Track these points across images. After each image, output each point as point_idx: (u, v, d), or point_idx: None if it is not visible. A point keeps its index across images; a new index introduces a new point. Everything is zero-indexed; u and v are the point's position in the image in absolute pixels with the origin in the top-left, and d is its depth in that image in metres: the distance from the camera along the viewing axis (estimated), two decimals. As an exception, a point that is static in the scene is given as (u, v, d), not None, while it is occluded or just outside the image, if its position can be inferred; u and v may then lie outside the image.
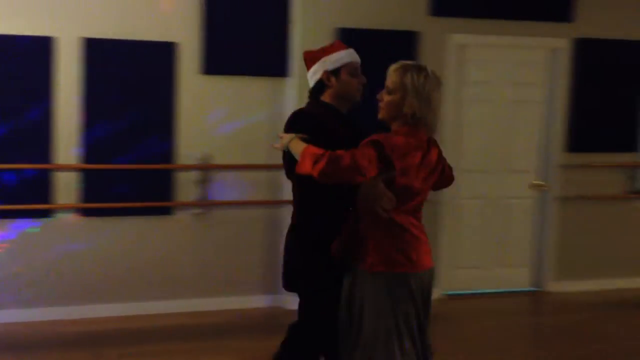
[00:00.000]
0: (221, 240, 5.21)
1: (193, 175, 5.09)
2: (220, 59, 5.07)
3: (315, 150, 2.53)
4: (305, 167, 2.52)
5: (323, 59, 2.90)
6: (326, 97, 2.89)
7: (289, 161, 2.71)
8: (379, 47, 5.28)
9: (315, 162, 2.47)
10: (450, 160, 5.47)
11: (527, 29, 5.59)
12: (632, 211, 6.00)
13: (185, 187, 5.08)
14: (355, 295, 2.66)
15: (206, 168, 5.09)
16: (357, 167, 2.44)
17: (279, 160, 5.17)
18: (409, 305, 2.59)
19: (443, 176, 2.84)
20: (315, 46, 5.09)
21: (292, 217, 2.91)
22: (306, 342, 2.87)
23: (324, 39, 5.16)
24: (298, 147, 2.61)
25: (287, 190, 5.24)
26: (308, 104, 2.96)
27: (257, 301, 5.29)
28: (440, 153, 2.77)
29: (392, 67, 2.68)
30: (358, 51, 5.38)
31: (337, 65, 2.87)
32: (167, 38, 4.97)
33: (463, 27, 5.45)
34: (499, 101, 5.72)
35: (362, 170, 2.45)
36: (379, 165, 2.49)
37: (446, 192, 5.52)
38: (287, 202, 5.25)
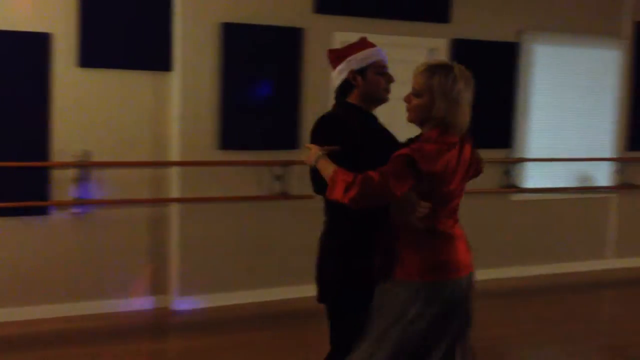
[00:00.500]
0: (102, 240, 5.00)
1: (70, 173, 4.85)
2: (98, 51, 4.86)
3: (346, 175, 2.37)
4: (336, 194, 2.38)
5: (349, 58, 2.76)
6: (352, 97, 2.76)
7: (318, 178, 2.54)
8: (263, 42, 5.27)
9: (347, 190, 2.34)
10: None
11: (408, 28, 5.75)
12: (508, 204, 6.31)
13: (62, 185, 4.84)
14: (383, 302, 2.53)
15: (84, 165, 4.87)
16: (388, 190, 2.31)
17: (163, 157, 5.12)
18: (440, 315, 2.47)
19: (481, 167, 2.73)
20: (199, 40, 5.08)
21: (324, 223, 2.79)
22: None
23: (208, 33, 5.11)
24: (327, 168, 2.46)
25: (172, 188, 5.14)
26: (334, 106, 2.81)
27: (143, 303, 5.12)
28: (472, 147, 2.64)
29: (418, 69, 2.54)
30: (243, 47, 5.39)
31: (363, 64, 2.75)
32: (41, 28, 4.72)
33: (347, 25, 5.52)
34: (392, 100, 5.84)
35: (394, 191, 2.31)
36: (411, 181, 2.36)
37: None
38: (172, 200, 5.13)
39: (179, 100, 5.08)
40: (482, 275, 6.14)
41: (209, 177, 5.20)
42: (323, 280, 2.74)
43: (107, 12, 4.87)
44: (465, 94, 2.49)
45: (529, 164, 6.32)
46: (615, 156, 6.67)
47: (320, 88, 5.47)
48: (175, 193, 5.14)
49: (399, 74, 5.76)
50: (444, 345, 2.50)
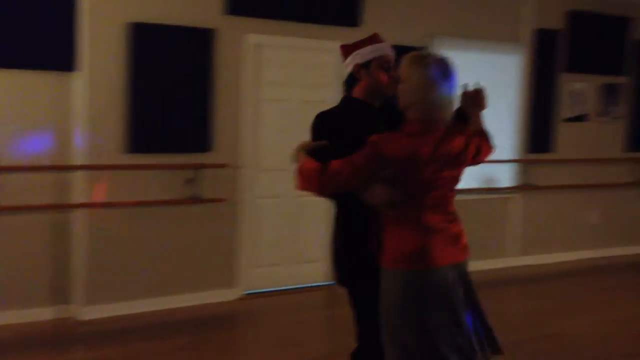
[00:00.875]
0: (2, 248, 4.74)
1: (-34, 178, 4.58)
2: (-5, 50, 4.61)
3: (309, 167, 2.53)
4: (300, 185, 2.56)
5: (355, 52, 2.83)
6: (357, 91, 2.84)
7: None
8: (173, 43, 5.15)
9: (309, 182, 2.52)
10: (247, 159, 5.58)
11: (319, 32, 5.77)
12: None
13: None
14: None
15: (-18, 170, 4.60)
16: (345, 178, 2.45)
17: (67, 161, 4.91)
18: (422, 304, 2.52)
19: (480, 155, 2.78)
20: (106, 40, 4.91)
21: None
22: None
23: (115, 33, 4.94)
24: (299, 161, 2.61)
25: (75, 193, 4.93)
26: (341, 99, 2.94)
27: (44, 314, 4.89)
28: (468, 139, 2.68)
29: (405, 57, 2.61)
30: (152, 47, 5.24)
31: (367, 58, 2.80)
32: None
33: (259, 27, 5.49)
34: (294, 101, 5.84)
35: (351, 179, 2.45)
36: (376, 165, 2.45)
37: (243, 191, 5.57)
38: (75, 205, 4.93)
39: (85, 102, 4.89)
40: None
41: (117, 181, 5.03)
42: (338, 266, 2.86)
43: (4, 9, 4.62)
44: (442, 86, 2.53)
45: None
46: (517, 158, 6.95)
47: (232, 89, 5.42)
48: (80, 198, 4.94)
49: (310, 77, 5.87)
50: (423, 338, 2.51)
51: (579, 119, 7.23)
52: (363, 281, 2.73)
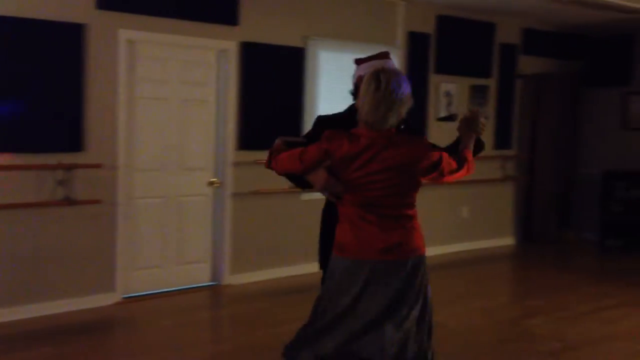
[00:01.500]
0: None
1: None
2: None
3: (274, 151, 2.95)
4: (266, 163, 3.03)
5: (361, 65, 3.18)
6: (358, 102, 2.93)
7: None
8: (41, 38, 4.91)
9: (269, 162, 2.99)
10: (123, 159, 5.40)
11: (197, 29, 5.70)
12: (299, 203, 6.50)
13: None
14: None
15: None
16: (292, 164, 2.84)
17: None
18: (335, 284, 2.84)
19: (442, 172, 2.86)
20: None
21: None
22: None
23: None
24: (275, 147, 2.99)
25: None
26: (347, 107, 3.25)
27: None
28: (423, 152, 2.80)
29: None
30: (16, 42, 4.96)
31: (367, 71, 2.92)
32: None
33: (133, 23, 5.34)
34: (172, 100, 5.73)
35: (297, 164, 2.82)
36: (321, 157, 2.77)
37: (120, 192, 5.39)
38: None
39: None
40: (275, 273, 6.33)
41: (-21, 183, 4.72)
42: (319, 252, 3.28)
43: None
44: (379, 96, 2.73)
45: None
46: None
47: (106, 87, 5.24)
48: (-62, 202, 4.59)
49: (189, 75, 5.78)
50: (332, 316, 2.84)
51: (450, 118, 7.56)
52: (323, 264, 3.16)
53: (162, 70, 5.65)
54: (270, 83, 6.20)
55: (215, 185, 5.95)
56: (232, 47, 5.92)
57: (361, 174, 2.74)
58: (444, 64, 7.45)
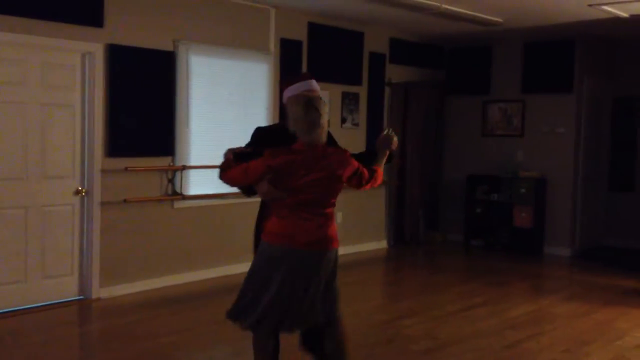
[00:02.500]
0: None
1: None
2: None
3: (224, 165, 3.40)
4: (219, 176, 3.43)
5: (287, 88, 3.56)
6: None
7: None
8: None
9: (220, 175, 3.41)
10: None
11: (58, 30, 5.39)
12: (172, 212, 6.32)
13: None
14: None
15: None
16: (242, 177, 3.33)
17: None
18: (263, 266, 3.38)
19: (360, 181, 3.42)
20: None
21: None
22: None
23: None
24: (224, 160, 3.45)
25: None
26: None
27: None
28: (345, 162, 3.35)
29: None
30: None
31: (294, 93, 3.47)
32: None
33: (-10, 22, 4.98)
34: (31, 104, 5.38)
35: (246, 178, 3.32)
36: (264, 170, 3.26)
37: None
38: None
39: None
40: (148, 285, 6.11)
41: None
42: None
43: None
44: (308, 117, 3.26)
45: (191, 172, 6.42)
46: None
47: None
48: None
49: (52, 79, 5.46)
50: (266, 298, 3.33)
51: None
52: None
53: (21, 72, 5.29)
54: (140, 87, 5.99)
55: (83, 193, 5.66)
56: (97, 50, 5.66)
57: (304, 181, 3.27)
58: (316, 70, 7.52)
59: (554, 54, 8.38)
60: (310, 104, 3.29)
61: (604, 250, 8.80)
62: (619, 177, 9.08)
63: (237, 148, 3.50)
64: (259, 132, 3.71)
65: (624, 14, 6.87)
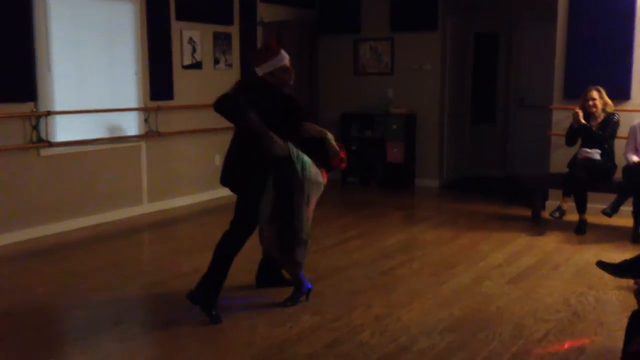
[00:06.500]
0: None
1: None
2: None
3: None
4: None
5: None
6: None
7: None
8: None
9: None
10: None
11: None
12: (38, 160, 6.03)
13: None
14: None
15: None
16: None
17: None
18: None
19: None
20: None
21: None
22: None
23: None
24: None
25: None
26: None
27: None
28: None
29: None
30: None
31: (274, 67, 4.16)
32: None
33: None
34: None
35: None
36: None
37: None
38: None
39: None
40: (15, 237, 5.85)
41: None
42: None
43: None
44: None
45: (57, 117, 6.13)
46: (140, 106, 6.96)
47: None
48: None
49: None
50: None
51: (195, 66, 7.52)
52: None
53: None
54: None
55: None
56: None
57: None
58: (185, 10, 7.33)
59: (419, -8, 8.61)
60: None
61: (469, 180, 9.35)
62: (481, 111, 9.61)
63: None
64: (241, 83, 4.33)
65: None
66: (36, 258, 5.49)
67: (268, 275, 4.67)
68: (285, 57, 4.14)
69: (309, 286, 4.38)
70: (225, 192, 4.48)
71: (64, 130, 6.19)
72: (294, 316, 4.14)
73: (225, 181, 4.23)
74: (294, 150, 4.10)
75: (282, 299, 4.35)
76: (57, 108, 6.11)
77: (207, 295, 4.08)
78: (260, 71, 4.13)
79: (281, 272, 4.64)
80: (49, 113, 6.01)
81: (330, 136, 4.29)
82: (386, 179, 8.84)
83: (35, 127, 5.94)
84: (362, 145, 8.93)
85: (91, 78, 6.44)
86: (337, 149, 4.29)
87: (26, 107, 5.88)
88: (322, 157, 4.26)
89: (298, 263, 4.30)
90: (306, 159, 4.14)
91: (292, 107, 4.17)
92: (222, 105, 4.00)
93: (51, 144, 6.05)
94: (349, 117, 8.99)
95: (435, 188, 8.76)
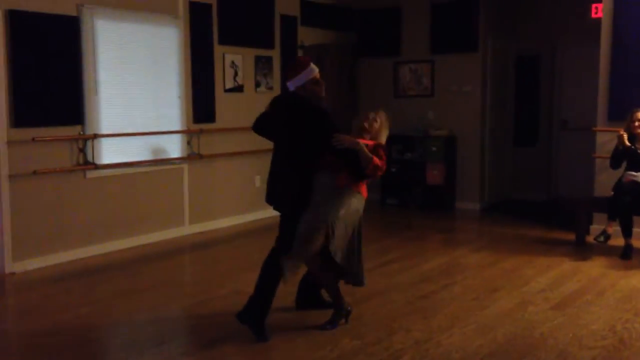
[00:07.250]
0: None
1: None
2: None
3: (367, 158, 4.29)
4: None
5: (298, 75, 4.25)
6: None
7: None
8: None
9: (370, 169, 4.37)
10: None
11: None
12: (84, 182, 6.18)
13: None
14: None
15: None
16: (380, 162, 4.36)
17: None
18: None
19: None
20: None
21: None
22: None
23: None
24: None
25: None
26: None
27: None
28: None
29: None
30: None
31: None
32: None
33: None
34: None
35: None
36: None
37: None
38: None
39: None
40: (60, 257, 5.97)
41: None
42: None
43: None
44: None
45: (103, 140, 6.28)
46: (183, 129, 7.08)
47: None
48: None
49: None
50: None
51: (237, 89, 7.63)
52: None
53: None
54: (44, 55, 5.78)
55: (-12, 167, 5.45)
56: (-3, 16, 5.42)
57: None
58: (228, 34, 7.47)
59: (459, 14, 8.61)
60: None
61: (511, 203, 9.23)
62: (523, 133, 9.51)
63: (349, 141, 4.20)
64: (275, 100, 4.45)
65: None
66: (80, 278, 5.60)
67: (308, 296, 4.68)
68: (314, 70, 4.21)
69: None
70: (265, 213, 4.52)
71: (109, 152, 6.33)
72: (333, 339, 4.13)
73: (269, 199, 4.32)
74: None
75: (321, 321, 4.34)
76: (103, 131, 6.26)
77: (255, 314, 4.12)
78: (292, 85, 4.21)
79: (320, 293, 4.64)
80: (95, 136, 6.17)
81: (362, 145, 4.22)
82: (426, 201, 8.79)
83: (82, 150, 6.09)
84: (402, 167, 8.91)
85: (136, 101, 6.58)
86: (370, 156, 4.21)
87: (74, 130, 6.04)
88: (356, 166, 4.22)
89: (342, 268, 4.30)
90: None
91: (323, 119, 4.21)
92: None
93: (97, 166, 6.19)
94: (389, 139, 8.81)
95: (477, 211, 8.67)
